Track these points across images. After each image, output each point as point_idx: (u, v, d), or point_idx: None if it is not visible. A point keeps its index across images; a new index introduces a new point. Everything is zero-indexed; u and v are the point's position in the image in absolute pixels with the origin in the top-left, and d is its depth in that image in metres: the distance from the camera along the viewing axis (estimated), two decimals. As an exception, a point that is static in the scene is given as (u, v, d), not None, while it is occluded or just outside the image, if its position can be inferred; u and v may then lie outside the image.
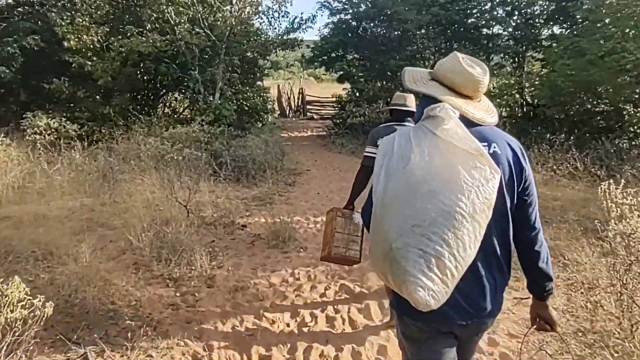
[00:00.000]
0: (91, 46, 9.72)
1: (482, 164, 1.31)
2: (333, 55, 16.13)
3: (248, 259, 4.34)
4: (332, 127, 14.56)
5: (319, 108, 21.20)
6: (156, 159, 5.58)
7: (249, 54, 12.60)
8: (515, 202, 1.50)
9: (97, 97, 10.75)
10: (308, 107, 21.08)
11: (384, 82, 14.32)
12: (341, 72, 16.51)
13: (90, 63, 9.58)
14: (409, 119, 3.29)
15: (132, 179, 5.83)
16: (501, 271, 1.52)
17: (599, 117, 9.16)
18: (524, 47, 12.24)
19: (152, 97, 12.33)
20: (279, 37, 12.75)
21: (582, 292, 3.43)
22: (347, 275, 3.99)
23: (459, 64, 1.51)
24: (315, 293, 3.66)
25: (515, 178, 1.49)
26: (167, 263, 3.86)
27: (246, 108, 12.07)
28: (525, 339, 2.45)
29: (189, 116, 11.62)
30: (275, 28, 13.92)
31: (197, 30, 9.98)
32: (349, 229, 3.14)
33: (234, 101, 10.39)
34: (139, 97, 11.85)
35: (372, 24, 14.68)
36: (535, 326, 1.66)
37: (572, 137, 7.76)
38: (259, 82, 14.21)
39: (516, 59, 12.56)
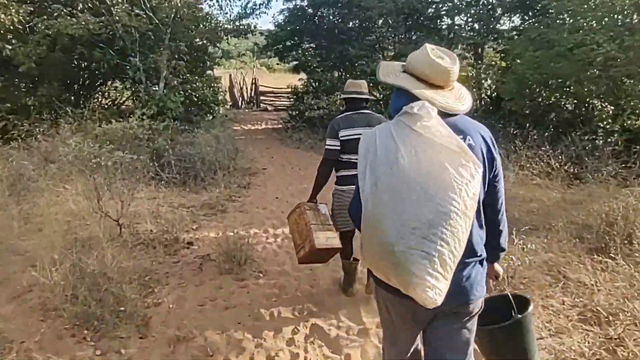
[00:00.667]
0: (11, 27, 8.36)
1: (467, 161, 1.37)
2: (288, 43, 15.26)
3: (194, 291, 3.50)
4: (288, 119, 13.75)
5: (273, 99, 20.27)
6: (83, 162, 4.60)
7: (197, 40, 11.52)
8: (486, 189, 1.60)
9: (21, 86, 9.40)
10: (261, 98, 20.10)
11: (343, 73, 13.60)
12: (296, 62, 15.66)
13: (9, 47, 8.24)
14: (365, 105, 3.32)
15: (52, 186, 4.81)
16: (476, 254, 1.60)
17: (566, 112, 8.89)
18: (483, 39, 11.91)
19: (87, 87, 11.02)
20: (231, 23, 11.73)
21: (599, 326, 2.90)
22: (318, 310, 3.25)
23: (427, 56, 1.55)
24: (281, 339, 2.89)
25: (487, 167, 1.57)
26: (85, 304, 2.96)
27: (195, 99, 11.02)
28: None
29: (130, 108, 10.44)
30: (227, 13, 12.81)
31: (137, 11, 8.84)
32: (320, 219, 3.11)
33: (181, 92, 9.33)
34: (72, 87, 10.54)
35: (330, 11, 13.91)
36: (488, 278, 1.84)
37: (545, 133, 7.38)
38: (209, 72, 13.13)
39: (477, 51, 12.22)
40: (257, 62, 39.26)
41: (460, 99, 1.58)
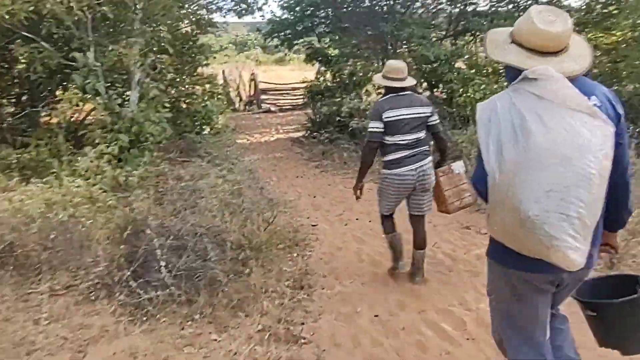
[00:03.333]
0: None
1: (599, 122, 1.36)
2: (298, 27, 11.88)
3: None
4: (309, 126, 10.44)
5: (276, 97, 16.87)
6: None
7: (183, 25, 8.15)
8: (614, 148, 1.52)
9: None
10: (262, 97, 16.68)
11: (383, 59, 10.26)
12: (309, 50, 12.30)
13: None
14: (405, 87, 3.29)
15: None
16: (601, 215, 1.53)
17: None
18: None
19: (27, 101, 7.59)
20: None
21: None
22: None
23: (533, 24, 1.49)
24: None
25: (614, 125, 1.47)
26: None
27: (186, 111, 7.70)
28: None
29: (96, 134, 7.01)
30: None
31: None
32: (454, 181, 3.38)
33: (166, 105, 5.95)
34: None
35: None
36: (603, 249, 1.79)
37: None
38: (204, 68, 9.77)
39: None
40: (242, 55, 35.48)
41: (577, 59, 1.52)
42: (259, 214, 4.20)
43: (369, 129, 3.24)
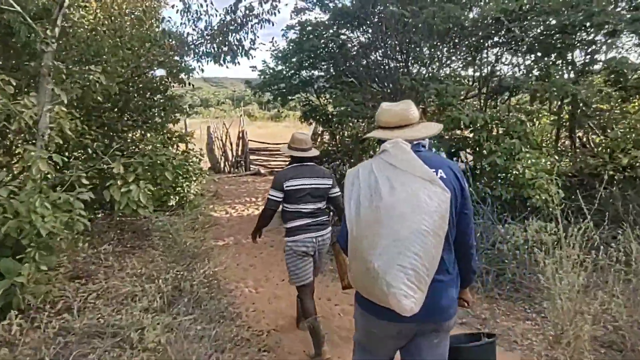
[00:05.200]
0: None
1: (436, 189, 1.59)
2: (294, 80, 10.16)
3: None
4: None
5: (267, 159, 15.00)
6: None
7: (145, 63, 6.32)
8: (457, 216, 1.81)
9: None
10: (252, 157, 14.81)
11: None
12: (306, 106, 10.53)
13: None
14: (309, 157, 3.50)
15: None
16: (448, 272, 1.81)
17: None
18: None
19: None
20: (207, 36, 6.45)
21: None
22: None
23: (382, 108, 1.96)
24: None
25: (457, 196, 1.78)
26: None
27: (146, 187, 5.71)
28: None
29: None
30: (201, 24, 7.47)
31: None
32: None
33: (82, 182, 3.88)
34: None
35: (364, 29, 8.92)
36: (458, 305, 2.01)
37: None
38: (177, 120, 7.89)
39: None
40: (239, 109, 34.09)
41: (419, 131, 1.87)
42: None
43: (268, 196, 3.40)
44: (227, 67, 6.49)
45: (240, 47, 6.00)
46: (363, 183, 1.63)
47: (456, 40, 7.47)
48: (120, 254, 5.31)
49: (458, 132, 6.57)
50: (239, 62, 6.33)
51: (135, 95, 6.60)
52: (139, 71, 5.80)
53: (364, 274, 1.58)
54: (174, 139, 7.84)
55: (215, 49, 5.89)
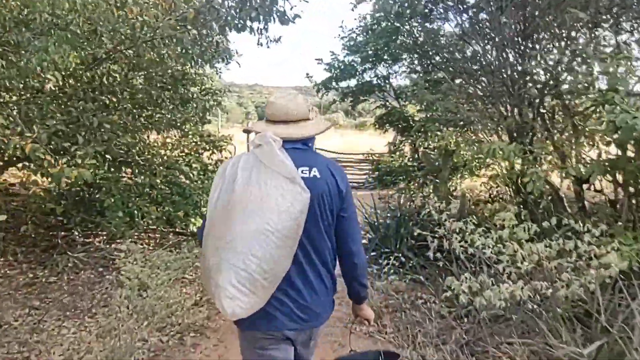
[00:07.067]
0: None
1: (294, 188, 1.48)
2: (369, 76, 8.07)
3: None
4: (367, 228, 6.24)
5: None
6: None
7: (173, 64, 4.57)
8: (335, 219, 1.64)
9: None
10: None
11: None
12: (383, 108, 8.38)
13: None
14: None
15: None
16: (321, 280, 1.64)
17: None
18: None
19: None
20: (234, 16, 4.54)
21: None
22: None
23: (268, 100, 1.73)
24: None
25: (333, 198, 1.61)
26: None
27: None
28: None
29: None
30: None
31: None
32: None
33: None
34: None
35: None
36: (356, 321, 1.96)
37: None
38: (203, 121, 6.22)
39: None
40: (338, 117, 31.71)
41: (303, 128, 1.67)
42: None
43: None
44: (259, 40, 4.57)
45: (274, 11, 4.05)
46: (227, 176, 1.53)
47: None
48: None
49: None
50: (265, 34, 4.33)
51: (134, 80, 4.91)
52: (135, 46, 4.04)
53: (203, 270, 1.53)
54: (203, 144, 6.13)
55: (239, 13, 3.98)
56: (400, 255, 5.08)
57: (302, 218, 1.47)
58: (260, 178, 1.47)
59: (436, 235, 3.21)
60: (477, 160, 6.26)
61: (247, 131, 2.11)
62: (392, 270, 4.48)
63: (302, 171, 1.54)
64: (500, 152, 4.10)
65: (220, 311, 1.42)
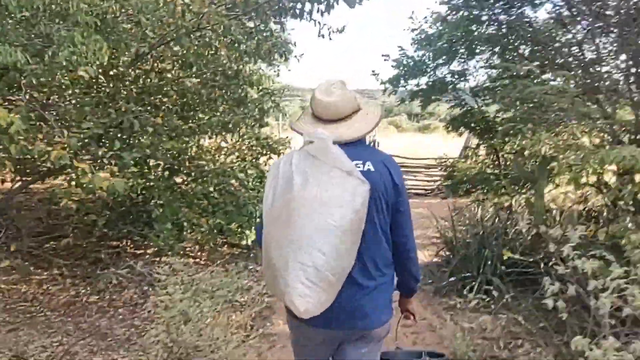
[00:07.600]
0: None
1: (353, 181, 1.45)
2: (442, 73, 7.24)
3: None
4: (443, 246, 5.40)
5: (404, 177, 12.12)
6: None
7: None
8: (391, 213, 1.60)
9: None
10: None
11: None
12: (456, 108, 7.50)
13: None
14: None
15: None
16: (372, 276, 1.58)
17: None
18: None
19: None
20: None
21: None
22: None
23: (314, 94, 1.63)
24: None
25: (388, 192, 1.57)
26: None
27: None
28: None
29: None
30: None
31: None
32: None
33: None
34: None
35: None
36: (403, 316, 1.89)
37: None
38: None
39: None
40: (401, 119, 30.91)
41: (353, 127, 1.62)
42: None
43: None
44: (320, 31, 3.97)
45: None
46: (282, 175, 1.49)
47: None
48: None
49: None
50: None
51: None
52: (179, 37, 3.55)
53: (268, 272, 1.51)
54: (259, 148, 5.62)
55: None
56: (483, 280, 4.25)
57: (363, 211, 1.45)
58: (317, 174, 1.44)
59: (553, 270, 2.40)
60: (576, 168, 5.23)
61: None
62: (480, 305, 3.65)
63: (355, 165, 1.50)
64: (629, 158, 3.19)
65: (292, 310, 1.41)
